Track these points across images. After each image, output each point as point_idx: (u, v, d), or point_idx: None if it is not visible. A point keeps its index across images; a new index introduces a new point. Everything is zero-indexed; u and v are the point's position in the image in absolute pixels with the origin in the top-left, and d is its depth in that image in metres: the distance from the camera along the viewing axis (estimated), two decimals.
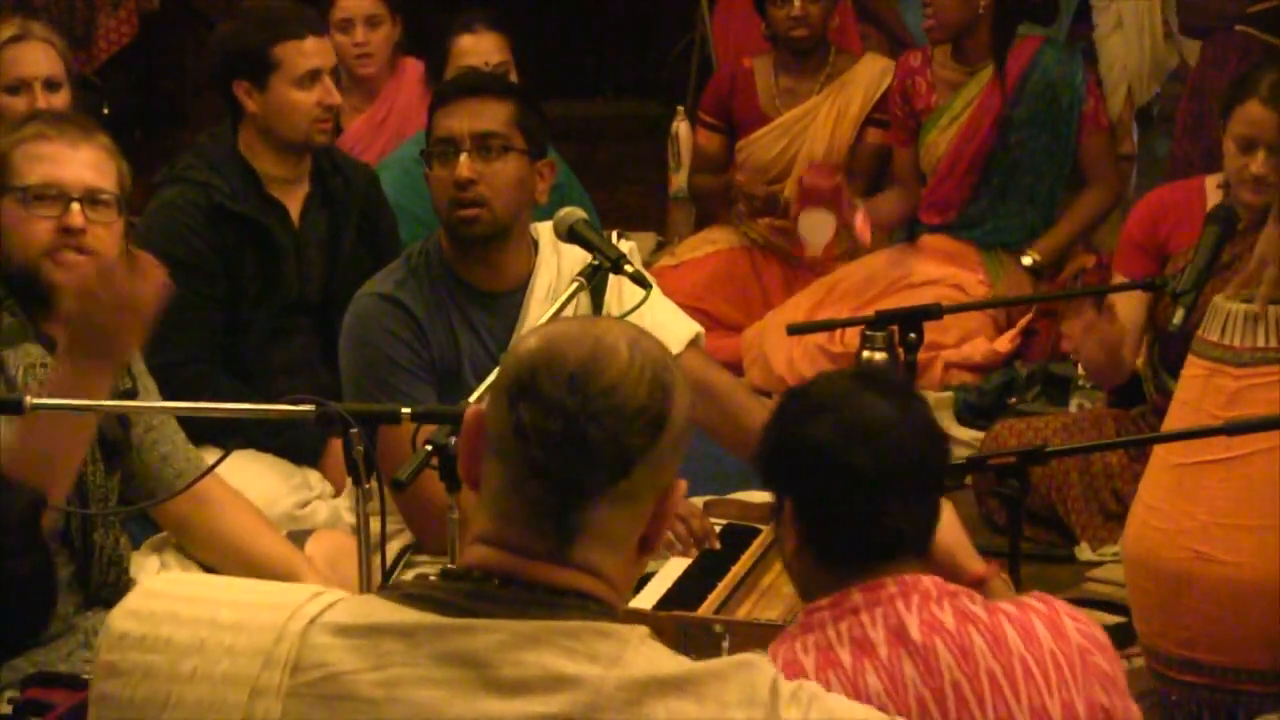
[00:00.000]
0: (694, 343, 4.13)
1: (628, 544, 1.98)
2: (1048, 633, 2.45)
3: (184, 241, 4.62)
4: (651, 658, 1.91)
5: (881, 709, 2.30)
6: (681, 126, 6.73)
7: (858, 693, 2.38)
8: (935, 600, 2.45)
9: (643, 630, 1.93)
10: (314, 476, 4.57)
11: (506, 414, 1.95)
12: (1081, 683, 2.43)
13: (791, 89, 6.40)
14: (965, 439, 5.31)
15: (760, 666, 1.95)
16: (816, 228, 5.99)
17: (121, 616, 2.00)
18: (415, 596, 1.95)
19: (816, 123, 6.33)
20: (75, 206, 3.45)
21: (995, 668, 2.41)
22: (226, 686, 1.94)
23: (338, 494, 4.50)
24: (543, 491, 1.94)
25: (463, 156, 3.93)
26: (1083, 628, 2.48)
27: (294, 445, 4.55)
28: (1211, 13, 5.74)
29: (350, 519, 4.07)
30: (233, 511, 3.73)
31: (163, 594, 2.02)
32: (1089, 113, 5.99)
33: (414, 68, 6.23)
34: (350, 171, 4.95)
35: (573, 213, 3.86)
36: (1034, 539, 4.67)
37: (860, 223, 5.95)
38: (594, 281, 3.76)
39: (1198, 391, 3.66)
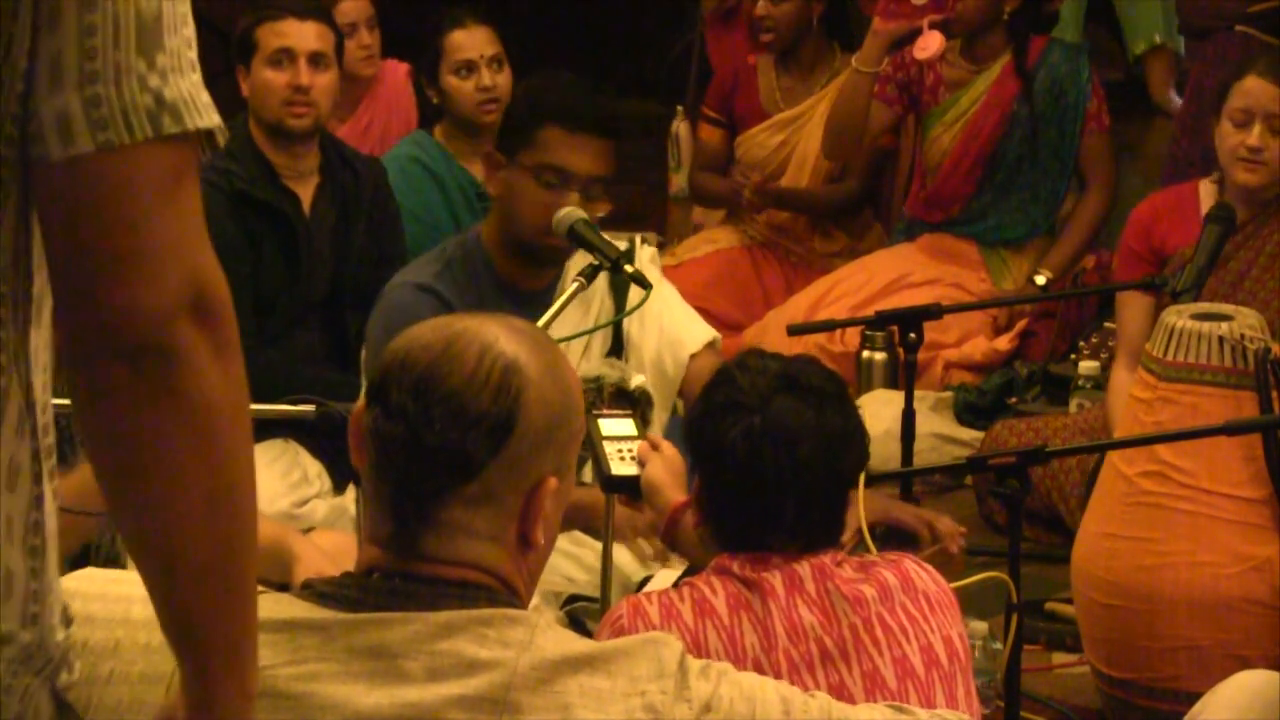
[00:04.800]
0: (711, 346, 4.18)
1: (503, 540, 2.00)
2: (899, 583, 2.56)
3: (213, 224, 4.62)
4: (560, 640, 1.95)
5: (767, 651, 2.44)
6: (681, 126, 6.72)
7: (734, 640, 2.48)
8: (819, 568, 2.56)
9: (550, 617, 1.96)
10: (313, 471, 4.56)
11: (367, 416, 2.00)
12: (935, 623, 2.55)
13: (792, 87, 6.39)
14: (965, 439, 5.31)
15: (668, 643, 1.99)
16: None
17: None
18: (326, 595, 1.99)
19: (813, 121, 6.32)
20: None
21: (884, 612, 2.52)
22: (144, 685, 1.95)
23: None
24: (392, 491, 1.99)
25: (574, 195, 3.97)
26: (922, 571, 2.60)
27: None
28: (1211, 13, 5.74)
29: (354, 511, 4.06)
30: None
31: (75, 594, 2.02)
32: (1091, 113, 5.96)
33: (393, 70, 6.28)
34: (360, 166, 4.99)
35: (572, 213, 3.87)
36: (1034, 539, 4.66)
37: (926, 40, 5.73)
38: (593, 281, 3.77)
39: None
